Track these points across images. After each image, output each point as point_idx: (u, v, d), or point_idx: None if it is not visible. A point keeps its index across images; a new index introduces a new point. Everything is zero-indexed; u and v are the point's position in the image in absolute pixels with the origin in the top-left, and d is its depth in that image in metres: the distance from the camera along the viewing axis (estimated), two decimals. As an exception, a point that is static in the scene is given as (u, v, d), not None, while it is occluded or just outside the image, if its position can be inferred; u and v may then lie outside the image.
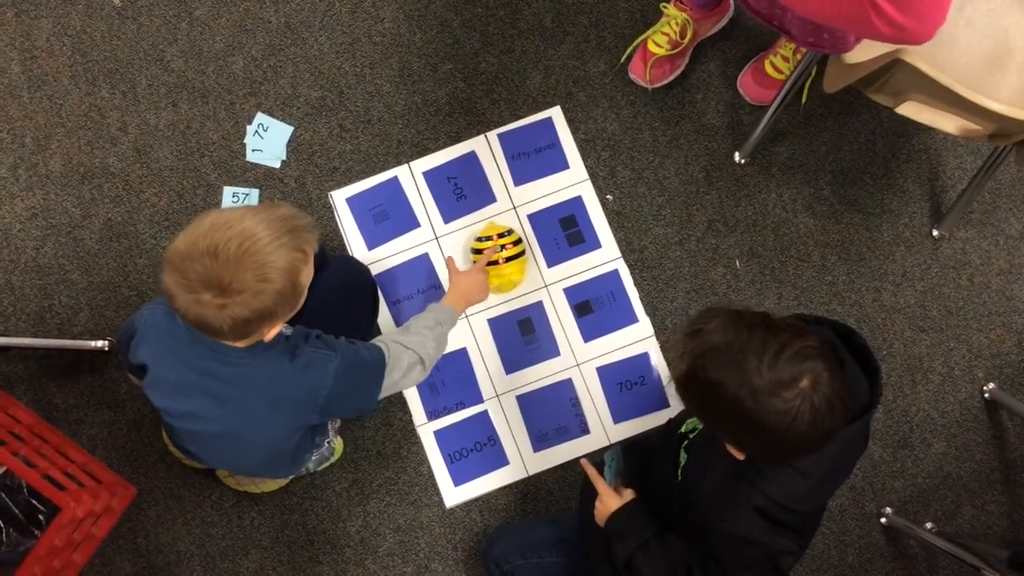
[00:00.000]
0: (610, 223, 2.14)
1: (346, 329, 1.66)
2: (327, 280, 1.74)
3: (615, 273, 2.12)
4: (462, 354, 2.08)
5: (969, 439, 2.10)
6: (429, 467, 2.05)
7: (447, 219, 2.14)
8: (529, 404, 2.07)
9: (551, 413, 2.07)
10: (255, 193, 2.13)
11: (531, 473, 2.05)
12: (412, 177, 2.16)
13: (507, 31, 2.21)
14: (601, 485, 1.62)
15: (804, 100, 2.16)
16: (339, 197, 2.14)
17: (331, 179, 2.15)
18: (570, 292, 2.11)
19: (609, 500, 1.59)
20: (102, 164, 2.14)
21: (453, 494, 2.04)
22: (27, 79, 2.17)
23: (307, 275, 1.46)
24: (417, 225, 2.13)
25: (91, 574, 1.99)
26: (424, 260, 2.12)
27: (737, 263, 2.14)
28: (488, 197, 2.15)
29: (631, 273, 2.12)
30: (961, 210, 2.12)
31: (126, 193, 2.13)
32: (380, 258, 2.12)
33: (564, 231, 2.13)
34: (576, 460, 2.02)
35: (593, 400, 2.07)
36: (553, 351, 2.09)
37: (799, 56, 2.09)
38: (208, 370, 1.52)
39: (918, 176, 2.19)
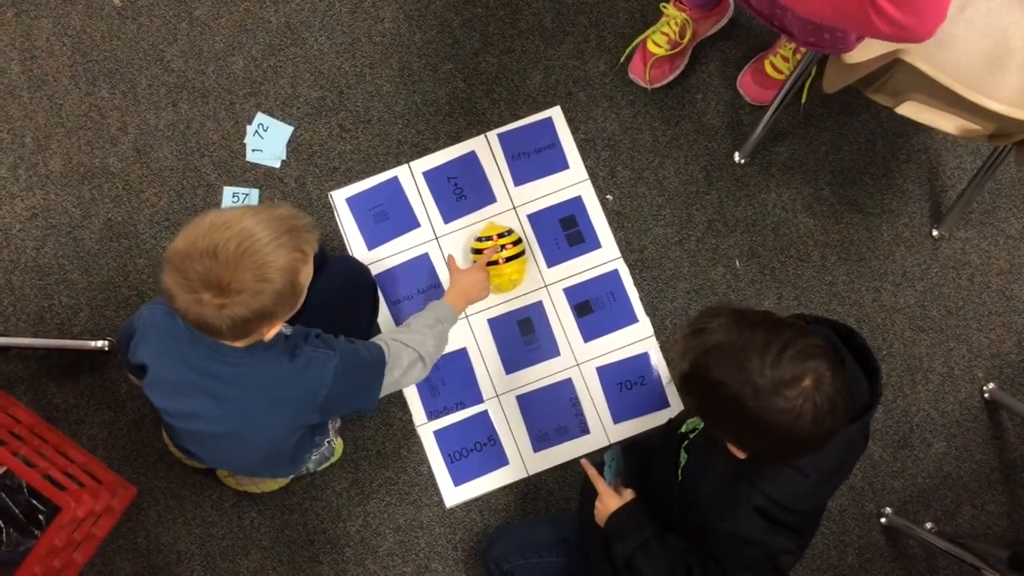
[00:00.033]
0: (610, 223, 2.14)
1: (346, 329, 1.66)
2: (327, 280, 1.74)
3: (615, 273, 2.12)
4: (462, 354, 2.08)
5: (969, 439, 2.10)
6: (429, 467, 2.05)
7: (447, 219, 2.14)
8: (529, 404, 2.07)
9: (551, 413, 2.07)
10: (255, 193, 2.13)
11: (531, 473, 2.05)
12: (412, 177, 2.16)
13: (507, 31, 2.21)
14: (601, 485, 1.62)
15: (804, 100, 2.16)
16: (339, 197, 2.15)
17: (331, 179, 2.15)
18: (570, 292, 2.11)
19: (609, 500, 1.59)
20: (102, 164, 2.14)
21: (453, 494, 2.04)
22: (27, 79, 2.17)
23: (306, 275, 1.46)
24: (417, 225, 2.13)
25: (91, 574, 1.99)
26: (424, 260, 2.12)
27: (737, 263, 2.14)
28: (488, 197, 2.15)
29: (631, 273, 2.12)
30: (961, 210, 2.12)
31: (126, 193, 2.13)
32: (380, 258, 2.12)
33: (564, 231, 2.14)
34: (576, 460, 2.02)
35: (593, 400, 2.07)
36: (553, 351, 2.09)
37: (799, 56, 2.09)
38: (208, 370, 1.52)
39: (918, 176, 2.19)
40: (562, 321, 2.10)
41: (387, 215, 2.14)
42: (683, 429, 1.62)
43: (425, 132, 2.17)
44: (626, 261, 2.13)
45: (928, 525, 2.03)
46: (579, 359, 2.09)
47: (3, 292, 2.09)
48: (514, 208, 2.14)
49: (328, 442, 1.92)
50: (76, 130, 2.15)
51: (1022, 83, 1.68)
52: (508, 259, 2.04)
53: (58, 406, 2.04)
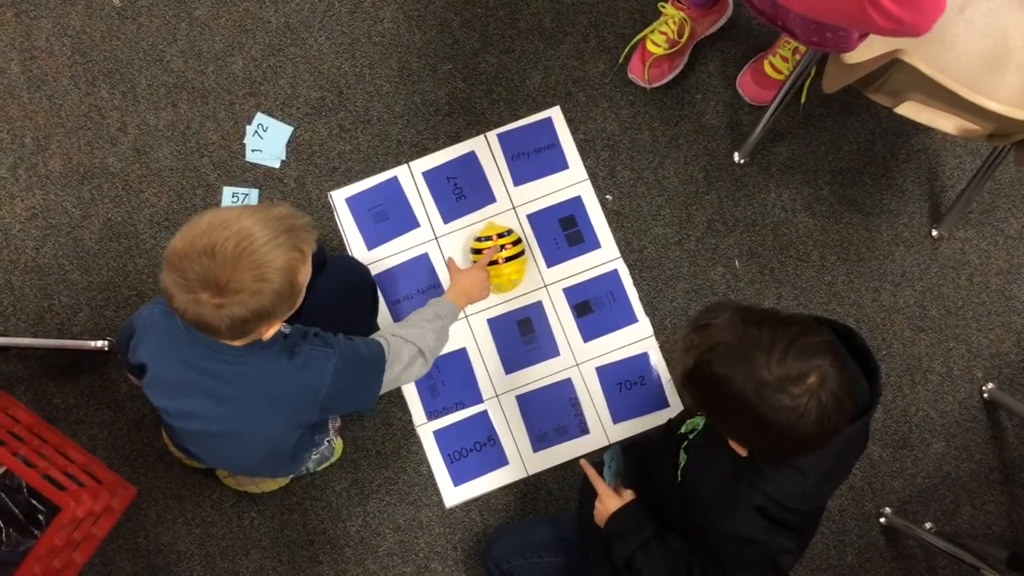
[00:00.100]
0: (609, 223, 2.14)
1: (346, 329, 1.66)
2: (327, 280, 1.74)
3: (615, 273, 2.12)
4: (462, 354, 2.08)
5: (968, 439, 2.10)
6: (429, 467, 2.05)
7: (447, 219, 2.14)
8: (529, 404, 2.07)
9: (551, 413, 2.07)
10: (255, 193, 2.14)
11: (531, 473, 2.06)
12: (412, 177, 2.16)
13: (507, 31, 2.21)
14: (600, 486, 1.62)
15: (803, 100, 2.16)
16: (339, 197, 2.15)
17: (331, 179, 2.15)
18: (569, 292, 2.11)
19: (609, 501, 1.59)
20: (102, 164, 2.14)
21: (453, 494, 2.04)
22: (27, 79, 2.17)
23: (305, 274, 1.46)
24: (417, 225, 2.14)
25: (91, 574, 1.99)
26: (424, 260, 2.12)
27: (736, 263, 2.14)
28: (488, 197, 2.15)
29: (631, 273, 2.12)
30: (960, 210, 2.12)
31: (126, 193, 2.13)
32: (380, 258, 2.12)
33: (564, 231, 2.14)
34: (576, 460, 2.02)
35: (592, 400, 2.07)
36: (553, 351, 2.09)
37: (798, 57, 2.09)
38: (207, 369, 1.52)
39: (917, 176, 2.19)
40: (562, 321, 2.10)
41: (387, 215, 2.14)
42: (683, 430, 1.62)
43: (425, 132, 2.17)
44: (626, 261, 2.13)
45: (927, 525, 2.03)
46: (579, 359, 2.09)
47: (3, 292, 2.09)
48: (514, 208, 2.14)
49: (328, 442, 1.92)
50: (76, 130, 2.15)
51: (1022, 83, 1.68)
52: (508, 259, 2.04)
53: (58, 406, 2.04)
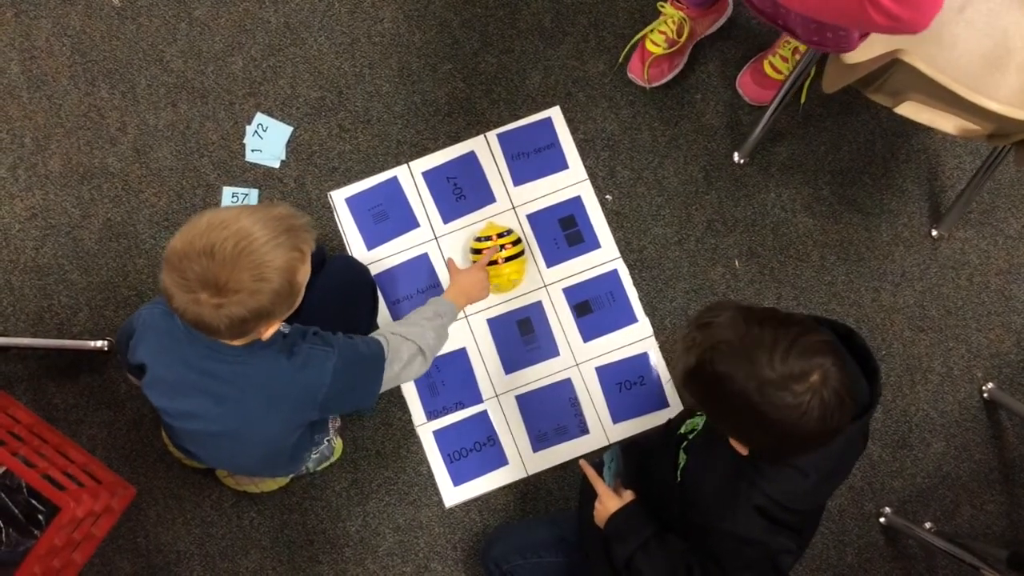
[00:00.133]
0: (609, 223, 2.14)
1: (345, 329, 1.66)
2: (326, 280, 1.74)
3: (614, 273, 2.12)
4: (461, 354, 2.08)
5: (968, 439, 2.10)
6: (428, 467, 2.05)
7: (446, 219, 2.14)
8: (528, 404, 2.07)
9: (550, 413, 2.07)
10: (254, 193, 2.13)
11: (530, 473, 2.06)
12: (411, 177, 2.16)
13: (506, 31, 2.21)
14: (600, 486, 1.62)
15: (803, 100, 2.16)
16: (338, 197, 2.15)
17: (330, 179, 2.15)
18: (569, 292, 2.11)
19: (608, 501, 1.59)
20: (101, 164, 2.14)
21: (452, 494, 2.04)
22: (27, 79, 2.17)
23: (304, 274, 1.46)
24: (416, 225, 2.14)
25: (91, 574, 1.99)
26: (424, 260, 2.12)
27: (736, 263, 2.14)
28: (487, 197, 2.15)
29: (630, 273, 2.12)
30: (960, 210, 2.12)
31: (125, 193, 2.13)
32: (380, 258, 2.12)
33: (563, 231, 2.14)
34: (575, 460, 2.01)
35: (592, 400, 2.07)
36: (552, 351, 2.09)
37: (798, 57, 2.09)
38: (206, 369, 1.52)
39: (917, 176, 2.19)
40: (561, 321, 2.10)
41: (386, 215, 2.14)
42: (682, 430, 1.62)
43: (424, 132, 2.17)
44: (625, 261, 2.13)
45: (927, 525, 2.03)
46: (578, 359, 2.09)
47: (3, 292, 2.09)
48: (513, 208, 2.14)
49: (328, 441, 1.92)
50: (75, 130, 2.15)
51: (1021, 83, 1.68)
52: (507, 259, 2.04)
53: (58, 406, 2.04)
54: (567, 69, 2.20)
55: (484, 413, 2.07)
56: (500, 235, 2.06)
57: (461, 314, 2.08)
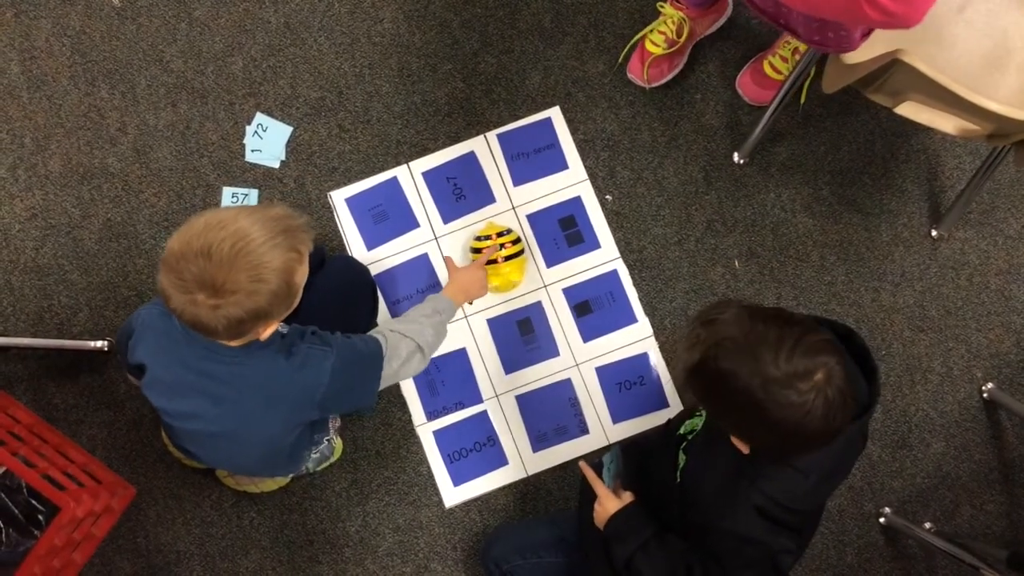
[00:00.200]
0: (609, 223, 2.14)
1: (345, 329, 1.66)
2: (326, 280, 1.74)
3: (614, 273, 2.12)
4: (461, 354, 2.09)
5: (968, 439, 2.10)
6: (428, 467, 2.05)
7: (446, 219, 2.14)
8: (528, 404, 2.07)
9: (550, 413, 2.07)
10: (254, 193, 2.14)
11: (530, 473, 2.06)
12: (411, 177, 2.16)
13: (506, 31, 2.21)
14: (600, 488, 1.62)
15: (803, 100, 2.16)
16: (338, 197, 2.15)
17: (330, 179, 2.15)
18: (569, 292, 2.11)
19: (608, 502, 1.59)
20: (101, 164, 2.14)
21: (452, 494, 2.04)
22: (26, 79, 2.17)
23: (302, 275, 1.46)
24: (416, 225, 2.14)
25: (91, 574, 1.99)
26: (423, 260, 2.12)
27: (736, 263, 2.14)
28: (487, 197, 2.15)
29: (630, 273, 2.12)
30: (960, 210, 2.12)
31: (125, 193, 2.13)
32: (379, 258, 2.12)
33: (563, 231, 2.14)
34: (575, 460, 2.01)
35: (592, 400, 2.07)
36: (552, 351, 2.09)
37: (798, 57, 2.09)
38: (204, 370, 1.52)
39: (917, 176, 2.19)
40: (561, 321, 2.10)
41: (386, 215, 2.14)
42: (682, 430, 1.62)
43: (424, 132, 2.17)
44: (625, 261, 2.13)
45: (927, 525, 2.03)
46: (578, 359, 2.09)
47: (3, 292, 2.09)
48: (513, 208, 2.14)
49: (328, 441, 1.92)
50: (75, 130, 2.15)
51: (1021, 83, 1.68)
52: (507, 258, 2.04)
53: (58, 406, 2.04)
54: (567, 69, 2.20)
55: (484, 413, 2.07)
56: (500, 234, 2.06)
57: (461, 314, 2.08)
